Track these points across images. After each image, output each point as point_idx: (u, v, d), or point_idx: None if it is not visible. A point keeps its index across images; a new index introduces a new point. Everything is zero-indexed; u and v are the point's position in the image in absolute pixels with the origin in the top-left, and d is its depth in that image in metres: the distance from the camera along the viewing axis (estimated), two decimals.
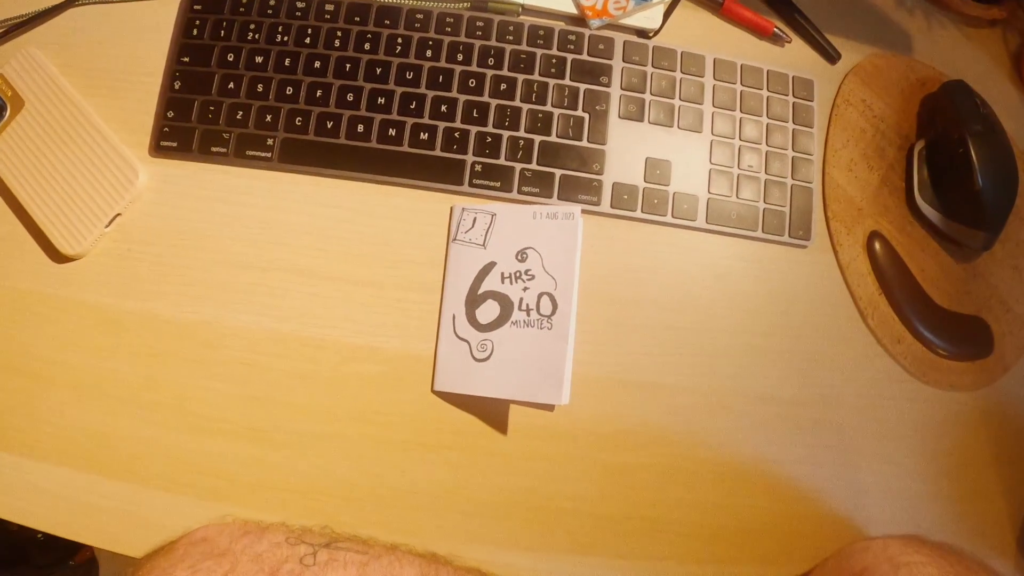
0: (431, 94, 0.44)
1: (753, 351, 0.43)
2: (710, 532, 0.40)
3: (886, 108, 0.48)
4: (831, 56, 0.49)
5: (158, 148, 0.43)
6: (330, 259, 0.42)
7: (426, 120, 0.43)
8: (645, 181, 0.44)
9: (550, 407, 0.40)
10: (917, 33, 0.51)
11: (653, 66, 0.46)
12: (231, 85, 0.43)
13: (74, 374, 0.39)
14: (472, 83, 0.44)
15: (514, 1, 0.46)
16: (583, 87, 0.45)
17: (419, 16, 0.45)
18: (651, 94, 0.45)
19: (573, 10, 0.46)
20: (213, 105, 0.43)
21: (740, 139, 0.45)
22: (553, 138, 0.44)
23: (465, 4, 0.46)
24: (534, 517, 0.39)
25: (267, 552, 0.32)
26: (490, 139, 0.43)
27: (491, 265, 0.41)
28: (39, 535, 0.72)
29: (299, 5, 0.45)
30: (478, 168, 0.43)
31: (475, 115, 0.44)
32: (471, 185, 0.43)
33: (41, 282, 0.41)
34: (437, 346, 0.41)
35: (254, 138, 0.43)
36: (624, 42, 0.46)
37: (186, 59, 0.44)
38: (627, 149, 0.44)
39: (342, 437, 0.39)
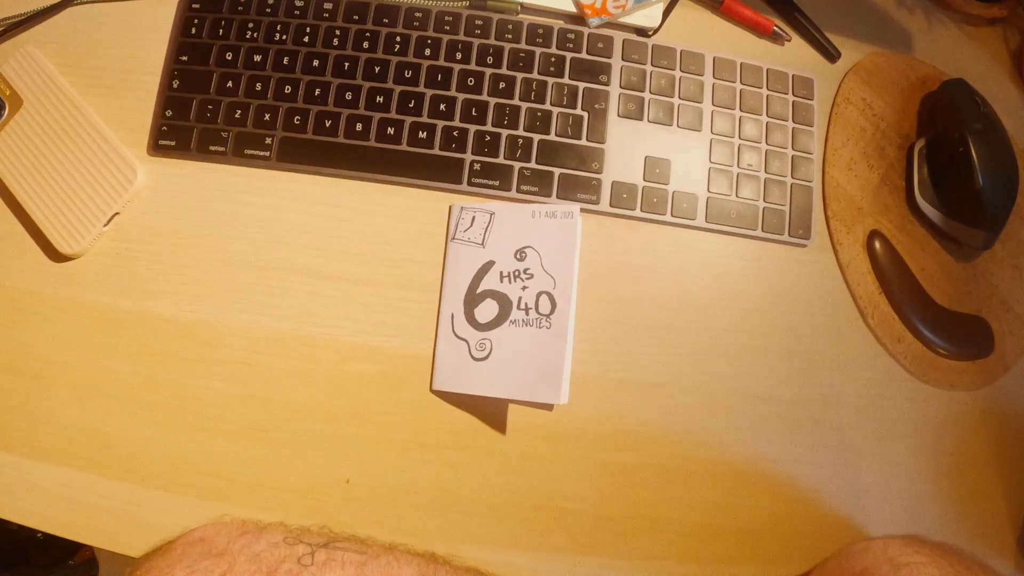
0: (430, 93, 0.44)
1: (753, 350, 0.43)
2: (710, 532, 0.40)
3: (886, 107, 0.48)
4: (831, 55, 0.49)
5: (156, 147, 0.43)
6: (329, 258, 0.42)
7: (425, 119, 0.43)
8: (644, 180, 0.44)
9: (549, 406, 0.40)
10: (917, 32, 0.51)
11: (652, 65, 0.46)
12: (230, 84, 0.43)
13: (73, 374, 0.39)
14: (471, 82, 0.44)
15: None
16: (582, 86, 0.45)
17: (418, 15, 0.45)
18: (650, 93, 0.45)
19: (572, 8, 0.46)
20: (212, 104, 0.43)
21: (740, 138, 0.45)
22: (552, 137, 0.44)
23: (464, 2, 0.46)
24: (533, 517, 0.39)
25: (265, 552, 0.32)
26: (489, 138, 0.43)
27: (490, 264, 0.41)
28: (39, 534, 0.72)
29: (298, 4, 0.45)
30: (477, 167, 0.43)
31: (474, 114, 0.43)
32: (470, 184, 0.43)
33: (39, 281, 0.41)
34: (436, 345, 0.41)
35: (253, 137, 0.42)
36: (623, 40, 0.46)
37: (184, 58, 0.44)
38: (626, 148, 0.44)
39: (341, 436, 0.39)
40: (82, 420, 0.39)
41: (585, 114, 0.44)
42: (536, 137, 0.43)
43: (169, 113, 0.43)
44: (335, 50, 0.44)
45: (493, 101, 0.44)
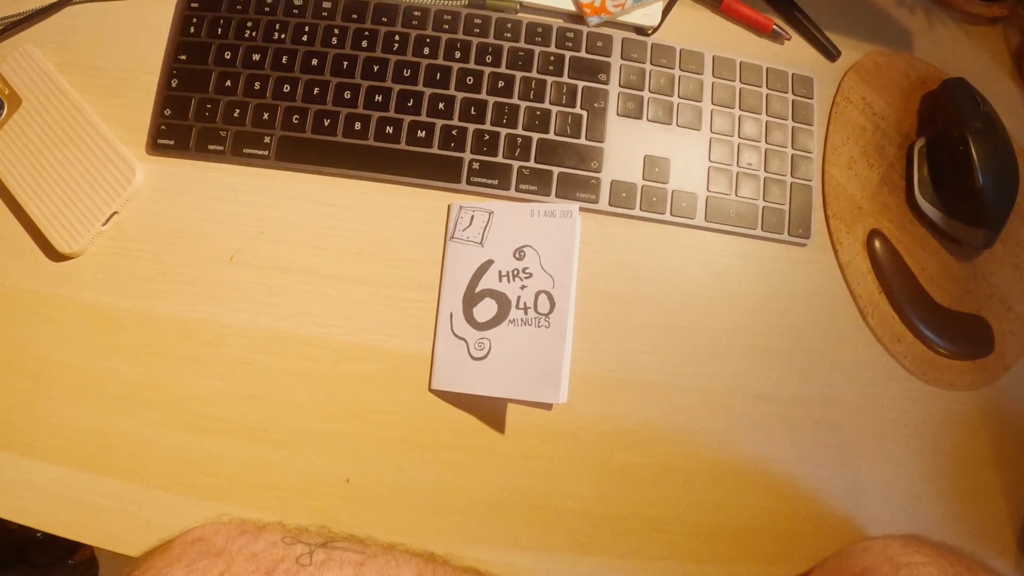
0: (429, 92, 0.43)
1: (753, 350, 0.43)
2: (709, 532, 0.40)
3: (886, 106, 0.48)
4: (831, 53, 0.49)
5: (155, 146, 0.43)
6: (328, 257, 0.42)
7: (424, 118, 0.43)
8: (644, 179, 0.44)
9: (548, 406, 0.40)
10: (917, 31, 0.51)
11: (652, 63, 0.46)
12: (228, 83, 0.43)
13: (73, 373, 0.39)
14: (470, 81, 0.44)
15: None
16: (581, 84, 0.45)
17: (417, 13, 0.45)
18: (650, 91, 0.45)
19: (571, 7, 0.46)
20: (210, 103, 0.43)
21: (739, 137, 0.45)
22: (551, 136, 0.44)
23: (463, 1, 0.46)
24: (533, 516, 0.39)
25: (263, 552, 0.32)
26: (488, 137, 0.43)
27: (489, 263, 0.41)
28: (38, 534, 0.72)
29: (296, 3, 0.45)
30: (476, 166, 0.43)
31: (473, 113, 0.43)
32: (469, 183, 0.43)
33: (38, 281, 0.41)
34: (434, 345, 0.41)
35: (251, 136, 0.42)
36: (623, 39, 0.46)
37: (183, 57, 0.44)
38: (625, 147, 0.44)
39: (340, 436, 0.39)
40: (82, 420, 0.39)
41: (584, 113, 0.44)
42: (535, 136, 0.43)
43: (168, 112, 0.43)
44: (334, 49, 0.44)
45: (492, 100, 0.44)
